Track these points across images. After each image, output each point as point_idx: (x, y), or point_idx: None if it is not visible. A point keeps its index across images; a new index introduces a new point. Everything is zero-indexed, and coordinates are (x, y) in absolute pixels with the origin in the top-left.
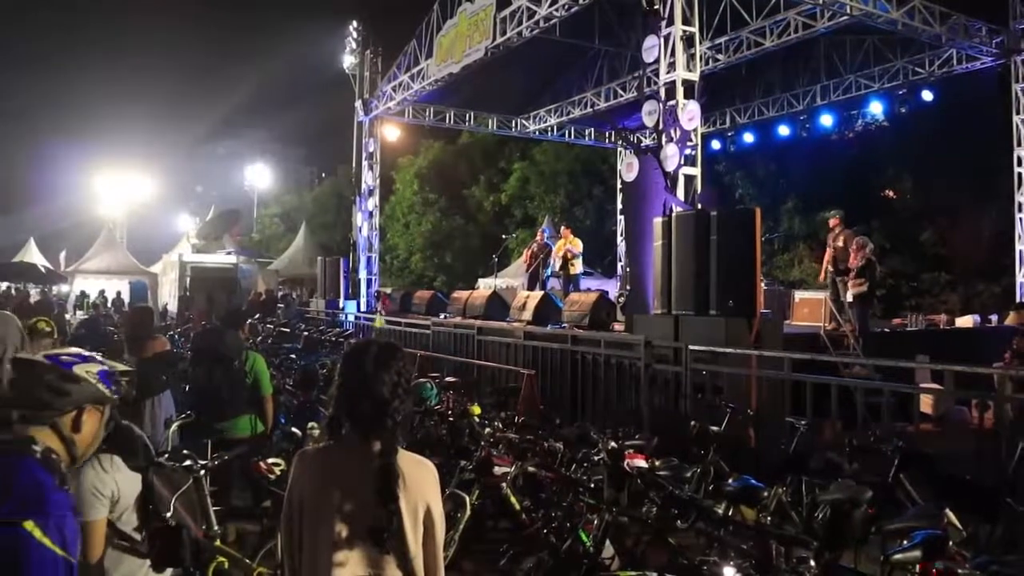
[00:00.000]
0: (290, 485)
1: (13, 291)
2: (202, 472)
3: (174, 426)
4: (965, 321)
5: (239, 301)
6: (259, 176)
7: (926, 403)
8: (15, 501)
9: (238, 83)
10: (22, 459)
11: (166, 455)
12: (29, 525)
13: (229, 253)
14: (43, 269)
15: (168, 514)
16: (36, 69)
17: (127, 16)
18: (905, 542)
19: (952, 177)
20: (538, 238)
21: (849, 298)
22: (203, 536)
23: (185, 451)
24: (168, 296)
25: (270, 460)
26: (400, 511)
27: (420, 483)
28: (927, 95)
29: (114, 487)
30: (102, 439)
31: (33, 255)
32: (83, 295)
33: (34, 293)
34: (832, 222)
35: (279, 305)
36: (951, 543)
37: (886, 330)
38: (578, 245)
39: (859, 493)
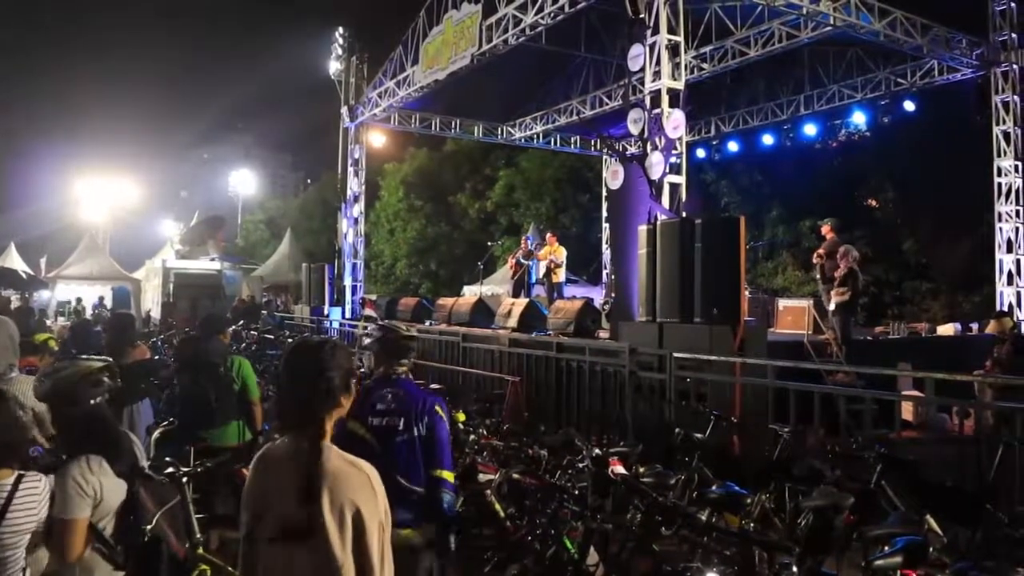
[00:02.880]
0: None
1: None
2: (185, 480)
3: (156, 434)
4: (946, 329)
5: (223, 307)
6: (244, 182)
7: (908, 410)
8: (423, 399)
9: (224, 88)
10: (405, 380)
11: (148, 464)
12: (438, 408)
13: (213, 259)
14: (24, 275)
15: (148, 527)
16: (18, 72)
17: (112, 21)
18: (887, 548)
19: (934, 186)
20: (523, 245)
21: (832, 306)
22: (185, 551)
23: (168, 459)
24: (151, 302)
25: None
26: (320, 509)
27: (349, 484)
28: (909, 105)
29: (97, 488)
30: (92, 441)
31: (14, 260)
32: (78, 301)
33: (14, 299)
34: (824, 230)
35: (263, 312)
36: (932, 549)
37: (868, 338)
38: (562, 254)
39: (841, 500)
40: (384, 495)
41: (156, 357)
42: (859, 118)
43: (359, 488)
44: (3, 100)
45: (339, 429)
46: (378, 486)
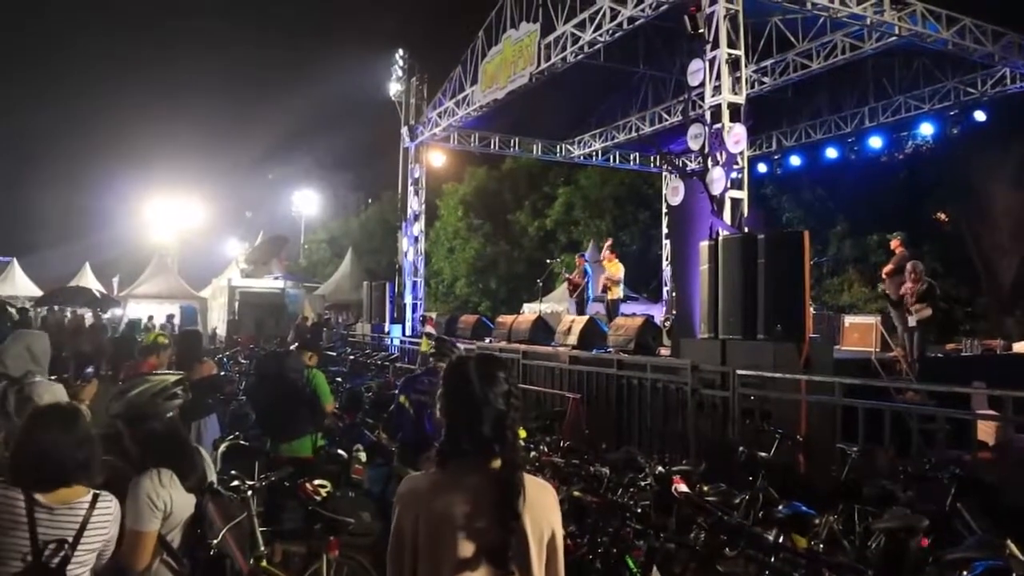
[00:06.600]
0: (399, 517)
1: (68, 314)
2: (249, 493)
3: (222, 447)
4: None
5: (285, 326)
6: (306, 202)
7: (984, 431)
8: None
9: (287, 111)
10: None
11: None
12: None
13: (277, 278)
14: (98, 294)
15: (215, 541)
16: (90, 101)
17: (179, 46)
18: (965, 573)
19: (1006, 198)
20: (578, 263)
21: (912, 323)
22: (250, 568)
23: (233, 472)
24: (217, 320)
25: (316, 481)
26: (524, 532)
27: (543, 506)
28: (980, 115)
29: (167, 501)
30: (166, 456)
31: (88, 280)
32: (150, 319)
33: (88, 317)
34: (893, 244)
35: (323, 329)
36: (1014, 575)
37: (940, 355)
38: (619, 271)
39: (915, 522)
40: None
41: (222, 373)
42: (927, 129)
43: (552, 509)
44: (77, 129)
45: (395, 401)
46: (558, 505)
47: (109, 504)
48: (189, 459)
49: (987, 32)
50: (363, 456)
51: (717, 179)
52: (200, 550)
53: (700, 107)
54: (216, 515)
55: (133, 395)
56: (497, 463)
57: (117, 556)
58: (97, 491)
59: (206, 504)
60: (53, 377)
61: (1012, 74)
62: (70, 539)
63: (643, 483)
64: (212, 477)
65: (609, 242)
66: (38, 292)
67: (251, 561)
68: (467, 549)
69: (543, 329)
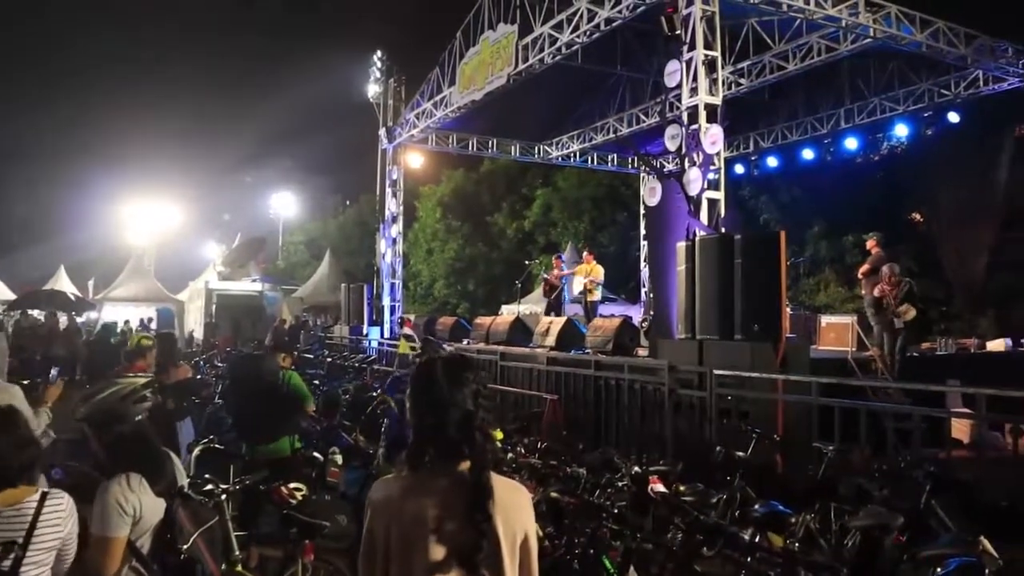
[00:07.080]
0: (370, 520)
1: (43, 318)
2: (223, 497)
3: (196, 451)
4: (997, 345)
5: (264, 328)
6: (285, 204)
7: (959, 429)
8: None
9: (265, 113)
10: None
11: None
12: None
13: (254, 280)
14: (72, 296)
15: (184, 546)
16: (65, 101)
17: (155, 47)
18: (939, 570)
19: (981, 199)
20: (555, 264)
21: (900, 325)
22: (221, 572)
23: (207, 476)
24: (194, 323)
25: (291, 485)
26: (496, 534)
27: (516, 507)
28: (953, 116)
29: (136, 506)
30: (134, 460)
31: (63, 283)
32: (126, 323)
33: (63, 320)
34: (869, 244)
35: (300, 332)
36: (987, 571)
37: (915, 354)
38: (600, 273)
39: (890, 519)
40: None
41: (198, 376)
42: (901, 131)
43: (525, 511)
44: (52, 129)
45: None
46: (531, 506)
47: (60, 500)
48: (158, 463)
49: (960, 35)
50: (339, 459)
51: (694, 180)
52: (170, 555)
53: (677, 108)
54: (186, 520)
55: (100, 398)
56: (466, 465)
57: (85, 561)
58: (47, 490)
59: (176, 509)
60: (26, 381)
61: (984, 76)
62: (20, 540)
63: (620, 484)
64: (183, 481)
65: (583, 247)
66: (11, 295)
67: (224, 565)
68: (438, 552)
69: (521, 330)
